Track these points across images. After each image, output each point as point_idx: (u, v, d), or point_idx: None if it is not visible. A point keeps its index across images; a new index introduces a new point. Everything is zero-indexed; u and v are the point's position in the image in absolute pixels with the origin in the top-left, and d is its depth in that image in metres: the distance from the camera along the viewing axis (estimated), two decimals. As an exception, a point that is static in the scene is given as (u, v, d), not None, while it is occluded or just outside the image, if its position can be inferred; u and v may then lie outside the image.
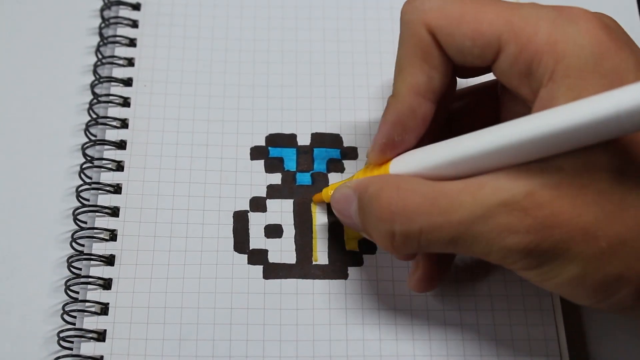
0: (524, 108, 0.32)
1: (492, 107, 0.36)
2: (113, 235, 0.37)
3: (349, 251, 0.38)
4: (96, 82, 0.41)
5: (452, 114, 0.36)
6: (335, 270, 0.37)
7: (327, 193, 0.37)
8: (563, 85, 0.28)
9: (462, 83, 0.37)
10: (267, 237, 0.38)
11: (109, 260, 0.37)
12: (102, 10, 0.43)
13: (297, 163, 0.40)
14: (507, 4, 0.31)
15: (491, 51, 0.30)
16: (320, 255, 0.37)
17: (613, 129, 0.25)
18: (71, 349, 0.35)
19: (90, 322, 0.35)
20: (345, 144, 0.40)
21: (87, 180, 0.39)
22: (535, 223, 0.28)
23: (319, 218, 0.38)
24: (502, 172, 0.29)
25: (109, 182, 0.38)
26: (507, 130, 0.28)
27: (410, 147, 0.33)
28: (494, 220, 0.28)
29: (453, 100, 0.36)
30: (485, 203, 0.28)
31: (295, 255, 0.37)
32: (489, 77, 0.34)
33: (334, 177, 0.39)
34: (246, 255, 0.37)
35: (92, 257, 0.37)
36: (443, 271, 0.35)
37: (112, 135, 0.40)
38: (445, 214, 0.29)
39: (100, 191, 0.38)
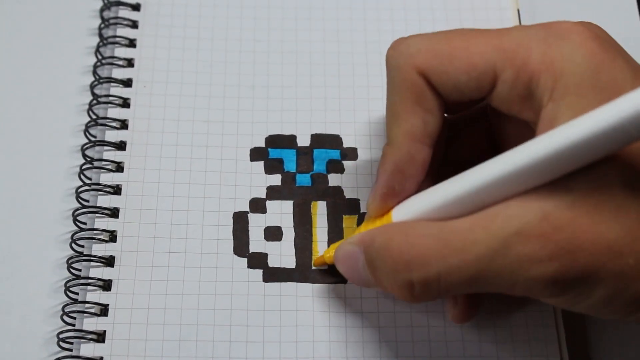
0: (521, 128, 0.32)
1: (483, 134, 0.35)
2: (113, 237, 0.37)
3: (349, 254, 0.38)
4: (96, 82, 0.41)
5: (447, 148, 0.36)
6: (335, 274, 0.37)
7: (328, 254, 0.36)
8: (563, 103, 0.28)
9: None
10: (267, 240, 0.38)
11: (109, 262, 0.37)
12: (101, 10, 0.43)
13: (297, 164, 0.40)
14: (494, 31, 0.31)
15: (487, 81, 0.30)
16: (320, 260, 0.37)
17: (619, 138, 0.25)
18: (71, 350, 0.35)
19: (90, 323, 0.35)
20: (345, 145, 0.40)
21: (87, 181, 0.39)
22: (557, 248, 0.27)
23: (319, 220, 0.38)
24: (511, 200, 0.28)
25: (108, 183, 0.38)
26: (510, 158, 0.28)
27: (411, 194, 0.33)
28: (513, 251, 0.27)
29: (445, 137, 0.35)
30: (500, 235, 0.27)
31: (295, 259, 0.37)
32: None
33: (333, 178, 0.39)
34: (246, 259, 0.37)
35: (92, 258, 0.37)
36: (480, 299, 0.35)
37: (112, 136, 0.40)
38: (460, 254, 0.28)
39: (100, 192, 0.38)
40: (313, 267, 0.37)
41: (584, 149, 0.26)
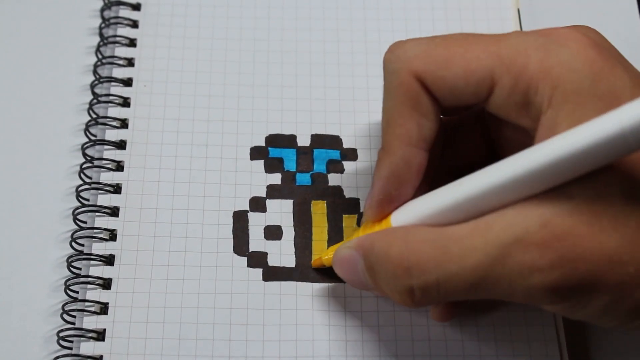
0: (518, 133, 0.31)
1: (480, 137, 0.35)
2: (113, 235, 0.37)
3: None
4: (96, 82, 0.41)
5: (443, 152, 0.35)
6: (334, 275, 0.37)
7: (327, 256, 0.36)
8: (563, 111, 0.28)
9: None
10: (267, 239, 0.38)
11: (109, 260, 0.37)
12: (102, 10, 0.43)
13: (297, 163, 0.40)
14: (491, 37, 0.31)
15: (485, 87, 0.30)
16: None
17: (619, 148, 0.25)
18: (71, 348, 0.35)
19: (90, 322, 0.35)
20: (345, 146, 0.40)
21: (87, 180, 0.39)
22: (557, 257, 0.27)
23: (319, 219, 0.38)
24: (510, 207, 0.28)
25: (108, 182, 0.38)
26: (510, 165, 0.28)
27: (407, 199, 0.32)
28: (512, 259, 0.27)
29: (441, 141, 0.35)
30: (499, 243, 0.27)
31: (294, 258, 0.37)
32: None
33: (333, 178, 0.39)
34: (246, 258, 0.37)
35: (92, 256, 0.37)
36: (462, 302, 0.35)
37: (112, 135, 0.40)
38: (459, 261, 0.28)
39: (100, 191, 0.38)
40: (312, 265, 0.37)
41: (584, 158, 0.26)
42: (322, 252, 0.37)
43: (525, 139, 0.30)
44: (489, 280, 0.28)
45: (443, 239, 0.29)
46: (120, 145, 0.39)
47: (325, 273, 0.37)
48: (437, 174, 0.34)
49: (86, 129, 0.40)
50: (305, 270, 0.37)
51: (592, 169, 0.26)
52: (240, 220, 0.38)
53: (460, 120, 0.36)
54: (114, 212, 0.38)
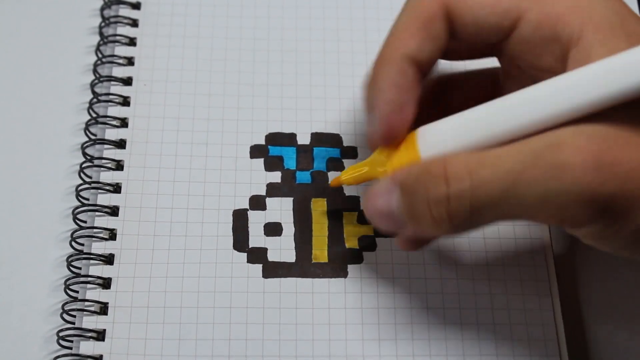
0: (533, 77, 0.31)
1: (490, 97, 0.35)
2: (112, 235, 0.37)
3: (349, 249, 0.38)
4: (96, 81, 0.41)
5: (448, 105, 0.34)
6: (335, 268, 0.37)
7: (347, 175, 0.34)
8: (595, 41, 0.28)
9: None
10: (267, 236, 0.38)
11: (109, 260, 0.37)
12: (102, 9, 0.43)
13: (297, 162, 0.40)
14: None
15: (510, 19, 0.30)
16: (320, 254, 0.37)
17: None
18: (70, 348, 0.35)
19: (90, 322, 0.35)
20: (345, 144, 0.40)
21: (87, 180, 0.39)
22: (594, 158, 0.25)
23: (319, 217, 0.38)
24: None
25: (108, 182, 0.38)
26: (551, 84, 0.27)
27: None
28: (545, 160, 0.26)
29: (435, 84, 0.34)
30: (533, 148, 0.26)
31: (294, 253, 0.37)
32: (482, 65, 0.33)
33: (333, 176, 0.39)
34: (245, 254, 0.37)
35: (92, 256, 0.37)
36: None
37: (112, 134, 0.40)
38: (491, 167, 0.27)
39: (99, 190, 0.38)
40: (329, 185, 0.37)
41: (629, 81, 0.25)
42: (343, 172, 0.35)
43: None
44: (520, 187, 0.26)
45: (479, 154, 0.28)
46: (120, 144, 0.39)
47: (326, 267, 0.37)
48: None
49: (86, 128, 0.40)
50: (305, 265, 0.37)
51: (635, 96, 0.26)
52: (240, 219, 0.38)
53: (469, 78, 0.35)
54: (113, 211, 0.38)
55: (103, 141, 0.39)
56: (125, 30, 0.43)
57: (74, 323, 0.36)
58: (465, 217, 0.28)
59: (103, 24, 0.43)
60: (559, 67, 0.29)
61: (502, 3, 0.30)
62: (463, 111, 0.30)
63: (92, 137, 0.40)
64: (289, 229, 0.38)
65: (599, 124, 0.26)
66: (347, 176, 0.35)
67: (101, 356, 0.35)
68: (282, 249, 0.37)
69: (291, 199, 0.39)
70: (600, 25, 0.28)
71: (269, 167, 0.39)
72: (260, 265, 0.37)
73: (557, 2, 0.29)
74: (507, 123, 0.28)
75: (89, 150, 0.39)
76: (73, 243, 0.37)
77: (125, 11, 0.43)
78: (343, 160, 0.40)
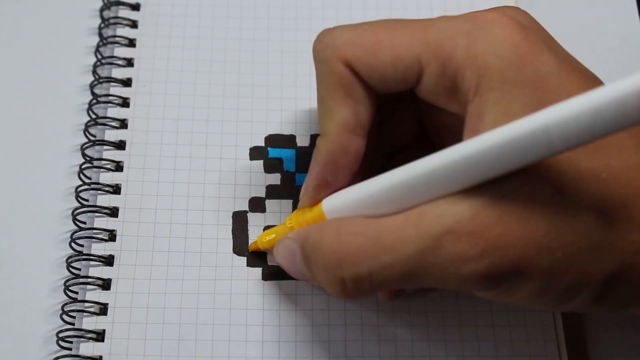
0: (448, 116, 0.32)
1: (414, 119, 0.35)
2: (112, 236, 0.37)
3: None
4: (95, 82, 0.41)
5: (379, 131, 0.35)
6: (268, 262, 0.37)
7: (261, 240, 0.36)
8: (489, 99, 0.28)
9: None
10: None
11: (108, 261, 0.37)
12: (101, 10, 0.43)
13: (297, 164, 0.40)
14: (419, 23, 0.31)
15: (413, 74, 0.30)
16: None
17: (544, 149, 0.25)
18: (70, 349, 0.35)
19: (90, 323, 0.35)
20: (345, 145, 0.40)
21: (87, 181, 0.39)
22: (487, 246, 0.27)
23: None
24: (441, 199, 0.28)
25: (108, 183, 0.38)
26: (440, 157, 0.28)
27: (344, 185, 0.32)
28: (443, 250, 0.27)
29: (378, 125, 0.35)
30: (431, 233, 0.28)
31: (294, 256, 0.37)
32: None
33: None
34: (245, 258, 0.37)
35: (92, 257, 0.37)
36: None
37: (112, 135, 0.40)
38: (391, 252, 0.28)
39: (99, 191, 0.38)
40: (248, 252, 0.37)
41: (509, 158, 0.26)
42: (258, 237, 0.37)
43: (455, 123, 0.31)
44: (421, 270, 0.28)
45: (375, 230, 0.29)
46: (120, 145, 0.39)
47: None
48: (373, 156, 0.34)
49: (85, 129, 0.40)
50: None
51: (520, 168, 0.26)
52: (239, 221, 0.38)
53: (394, 100, 0.36)
54: (113, 212, 0.38)
55: (103, 142, 0.39)
56: (124, 32, 0.43)
57: (73, 324, 0.36)
58: (362, 294, 0.30)
59: (103, 25, 0.43)
60: (465, 114, 0.29)
61: (404, 60, 0.30)
62: (365, 180, 0.31)
63: (92, 138, 0.40)
64: (288, 232, 0.38)
65: (489, 196, 0.27)
66: (263, 239, 0.36)
67: (101, 357, 0.35)
68: (282, 253, 0.37)
69: (291, 201, 0.39)
70: (494, 80, 0.28)
71: (268, 169, 0.39)
72: (260, 269, 0.37)
73: (454, 53, 0.29)
74: (397, 189, 0.29)
75: (88, 151, 0.39)
76: (73, 244, 0.37)
77: (124, 12, 0.43)
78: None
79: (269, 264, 0.37)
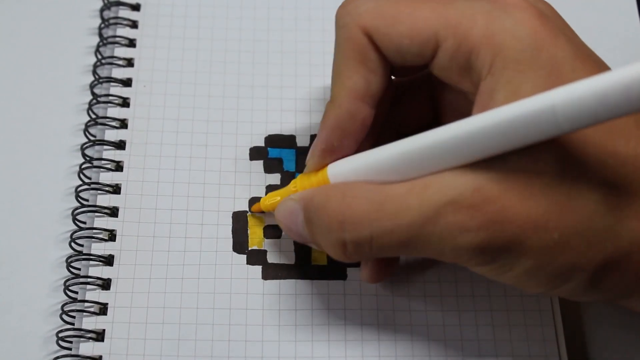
0: (460, 99, 0.32)
1: (427, 100, 0.36)
2: (112, 236, 0.37)
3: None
4: (96, 82, 0.41)
5: (389, 112, 0.36)
6: (334, 270, 0.37)
7: (264, 202, 0.37)
8: (502, 78, 0.28)
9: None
10: (266, 238, 0.38)
11: (108, 261, 0.37)
12: (101, 10, 0.43)
13: (297, 164, 0.40)
14: (441, 0, 0.31)
15: (429, 48, 0.30)
16: (319, 256, 0.37)
17: (550, 129, 0.25)
18: (70, 349, 0.35)
19: (89, 322, 0.35)
20: (345, 145, 0.40)
21: (86, 181, 0.39)
22: (485, 219, 0.28)
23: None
24: (447, 171, 0.29)
25: (108, 183, 0.38)
26: (448, 129, 0.28)
27: (350, 153, 0.33)
28: (443, 220, 0.28)
29: (390, 101, 0.35)
30: (433, 203, 0.28)
31: (294, 255, 0.37)
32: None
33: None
34: (245, 256, 0.37)
35: (91, 257, 0.37)
36: (391, 265, 0.36)
37: (112, 135, 0.40)
38: (394, 218, 0.29)
39: (99, 191, 0.38)
40: (249, 213, 0.38)
41: (516, 135, 0.26)
42: (262, 199, 0.37)
43: (466, 104, 0.31)
44: (421, 238, 0.29)
45: (380, 196, 0.29)
46: (120, 145, 0.39)
47: (325, 269, 0.37)
48: (382, 133, 0.35)
49: (85, 129, 0.40)
50: (304, 267, 0.37)
51: (526, 145, 0.27)
52: (239, 221, 0.38)
53: (409, 81, 0.36)
54: (113, 212, 0.38)
55: (103, 142, 0.39)
56: (124, 32, 0.43)
57: (73, 324, 0.36)
58: (361, 257, 0.31)
59: (103, 25, 0.43)
60: (476, 93, 0.30)
61: (421, 33, 0.30)
62: (372, 149, 0.31)
63: (92, 138, 0.40)
64: (287, 232, 0.38)
65: (494, 172, 0.28)
66: (267, 202, 0.36)
67: (100, 357, 0.35)
68: (282, 251, 0.37)
69: (290, 201, 0.39)
70: (509, 60, 0.28)
71: (268, 169, 0.39)
72: (260, 267, 0.37)
73: (471, 31, 0.29)
74: (404, 158, 0.30)
75: (88, 151, 0.39)
76: (73, 244, 0.37)
77: (125, 12, 0.43)
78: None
79: (269, 262, 0.37)
